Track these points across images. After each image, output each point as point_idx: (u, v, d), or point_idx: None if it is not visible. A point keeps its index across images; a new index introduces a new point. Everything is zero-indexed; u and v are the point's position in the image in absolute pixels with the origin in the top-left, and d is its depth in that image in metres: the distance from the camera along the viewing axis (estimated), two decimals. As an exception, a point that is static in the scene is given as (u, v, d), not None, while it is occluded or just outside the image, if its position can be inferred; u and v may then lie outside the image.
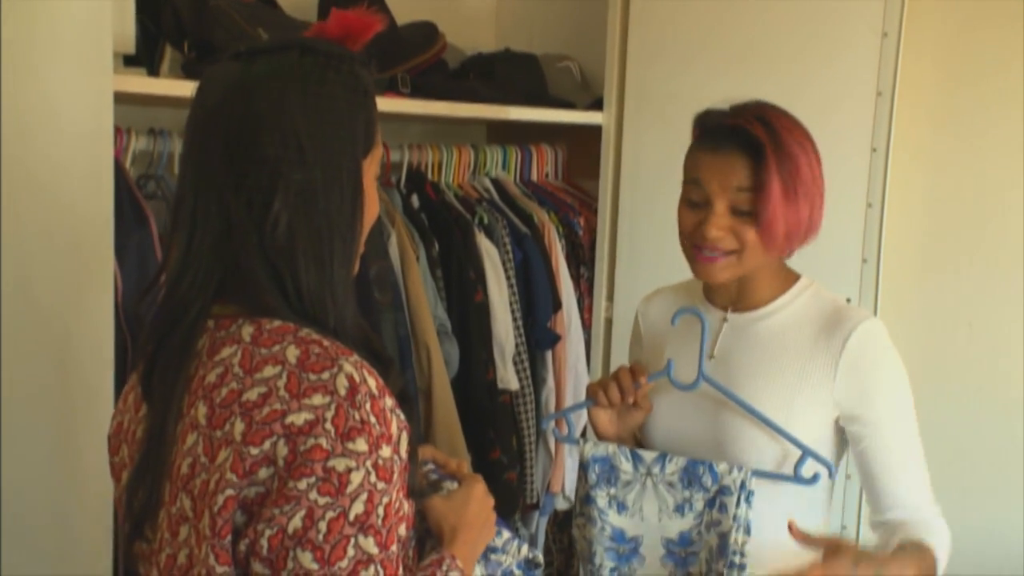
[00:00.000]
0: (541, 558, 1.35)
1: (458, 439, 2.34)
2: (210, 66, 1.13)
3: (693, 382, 1.53)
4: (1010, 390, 2.25)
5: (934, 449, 2.24)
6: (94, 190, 1.68)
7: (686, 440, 1.56)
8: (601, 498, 1.56)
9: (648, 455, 1.53)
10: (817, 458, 1.48)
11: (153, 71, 2.01)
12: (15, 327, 1.64)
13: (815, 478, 1.48)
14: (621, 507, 1.55)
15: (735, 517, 1.46)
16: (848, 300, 2.10)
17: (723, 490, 1.48)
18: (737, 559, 1.46)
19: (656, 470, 1.52)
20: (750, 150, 1.45)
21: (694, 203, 1.50)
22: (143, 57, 1.97)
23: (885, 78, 2.21)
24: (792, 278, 1.58)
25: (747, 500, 1.47)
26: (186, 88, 1.67)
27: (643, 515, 1.54)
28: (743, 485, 1.47)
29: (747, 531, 1.47)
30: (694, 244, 1.50)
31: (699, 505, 1.50)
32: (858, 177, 2.24)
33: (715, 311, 1.60)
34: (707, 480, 1.49)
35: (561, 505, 2.73)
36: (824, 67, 2.28)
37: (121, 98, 1.71)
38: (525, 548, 1.33)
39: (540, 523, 2.71)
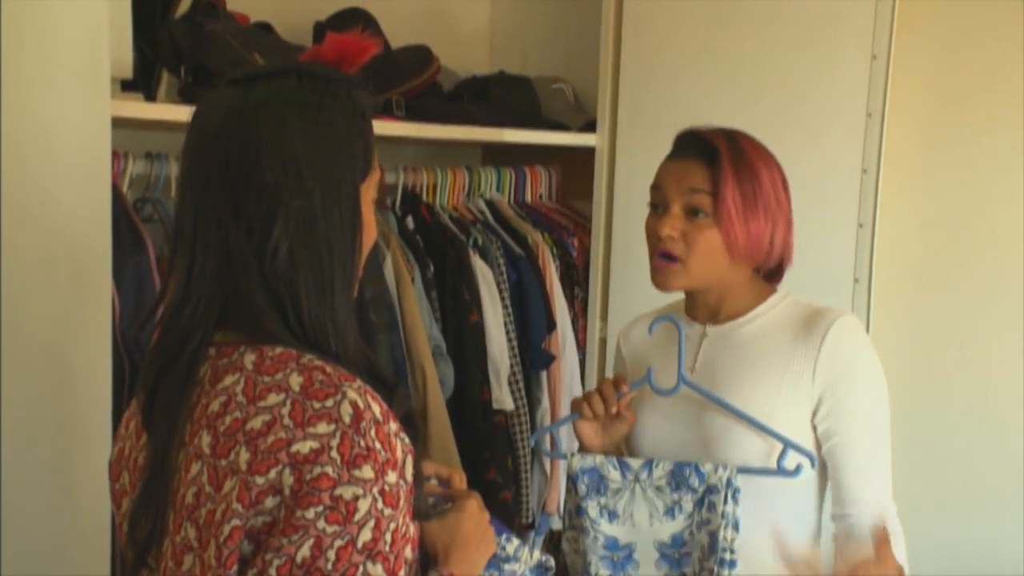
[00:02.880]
0: (552, 560, 1.36)
1: (453, 459, 2.34)
2: (207, 91, 1.13)
3: (673, 387, 1.56)
4: (1001, 409, 2.25)
5: (926, 467, 2.26)
6: (92, 214, 1.69)
7: (673, 444, 1.59)
8: (592, 508, 1.57)
9: (635, 462, 1.56)
10: (798, 449, 1.50)
11: (150, 96, 2.03)
12: (12, 350, 1.64)
13: (798, 470, 1.50)
14: (612, 515, 1.57)
15: (723, 514, 1.49)
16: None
17: (710, 489, 1.50)
18: (727, 556, 1.49)
19: (644, 476, 1.55)
20: (707, 156, 1.53)
21: (655, 208, 1.57)
22: (140, 82, 1.99)
23: (875, 99, 2.22)
24: (769, 291, 1.62)
25: (734, 497, 1.50)
26: (183, 113, 1.69)
27: (634, 521, 1.56)
28: (729, 482, 1.49)
29: (735, 528, 1.50)
30: (653, 249, 1.56)
31: (688, 506, 1.52)
32: (849, 198, 2.25)
33: (696, 326, 1.64)
34: (694, 481, 1.51)
35: (556, 524, 2.73)
36: (814, 89, 2.30)
37: (118, 123, 1.73)
38: (537, 553, 1.34)
39: (536, 542, 2.71)
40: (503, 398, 2.49)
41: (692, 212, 1.52)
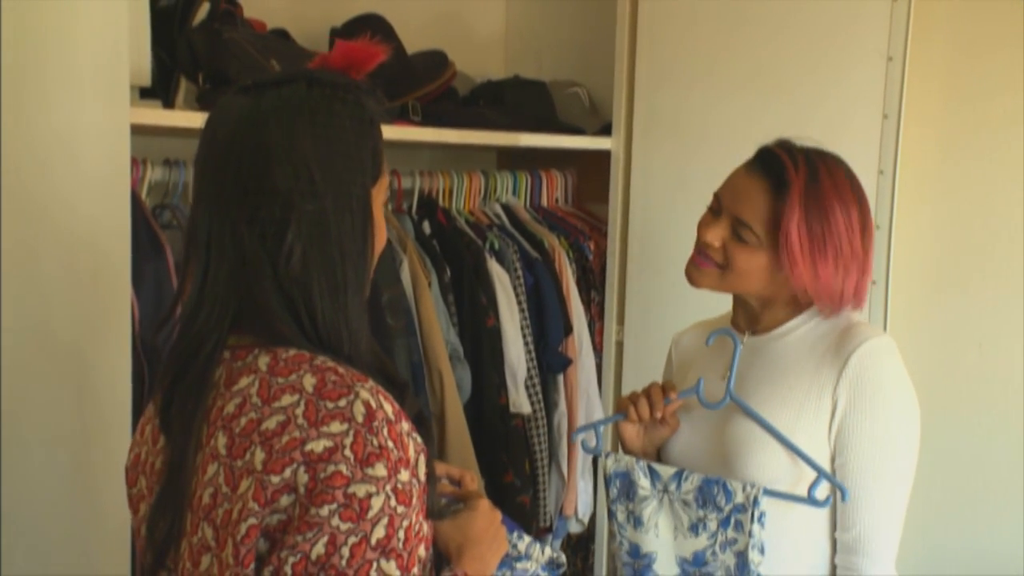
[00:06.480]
0: (563, 557, 1.37)
1: (471, 463, 2.34)
2: (218, 99, 1.15)
3: (720, 400, 1.55)
4: (1021, 411, 2.24)
5: (946, 470, 2.25)
6: (111, 220, 1.71)
7: (698, 454, 1.58)
8: (620, 512, 1.57)
9: (665, 472, 1.54)
10: (832, 481, 1.47)
11: (168, 103, 2.04)
12: (33, 355, 1.66)
13: (828, 500, 1.48)
14: (637, 522, 1.56)
15: (751, 533, 1.47)
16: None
17: (737, 508, 1.48)
18: None
19: (673, 487, 1.53)
20: (775, 183, 1.47)
21: (712, 212, 1.55)
22: (158, 89, 2.00)
23: (891, 101, 2.22)
24: (809, 301, 1.58)
25: (759, 520, 1.47)
26: (201, 120, 1.70)
27: (658, 531, 1.55)
28: (756, 502, 1.46)
29: (761, 551, 1.47)
30: (695, 246, 1.55)
31: (712, 525, 1.50)
32: (866, 199, 2.25)
33: (737, 336, 1.61)
34: (721, 499, 1.49)
35: (574, 528, 2.74)
36: (830, 91, 2.30)
37: (137, 130, 1.74)
38: (548, 549, 1.35)
39: (553, 546, 2.71)
40: (520, 402, 2.49)
41: (738, 231, 1.50)
